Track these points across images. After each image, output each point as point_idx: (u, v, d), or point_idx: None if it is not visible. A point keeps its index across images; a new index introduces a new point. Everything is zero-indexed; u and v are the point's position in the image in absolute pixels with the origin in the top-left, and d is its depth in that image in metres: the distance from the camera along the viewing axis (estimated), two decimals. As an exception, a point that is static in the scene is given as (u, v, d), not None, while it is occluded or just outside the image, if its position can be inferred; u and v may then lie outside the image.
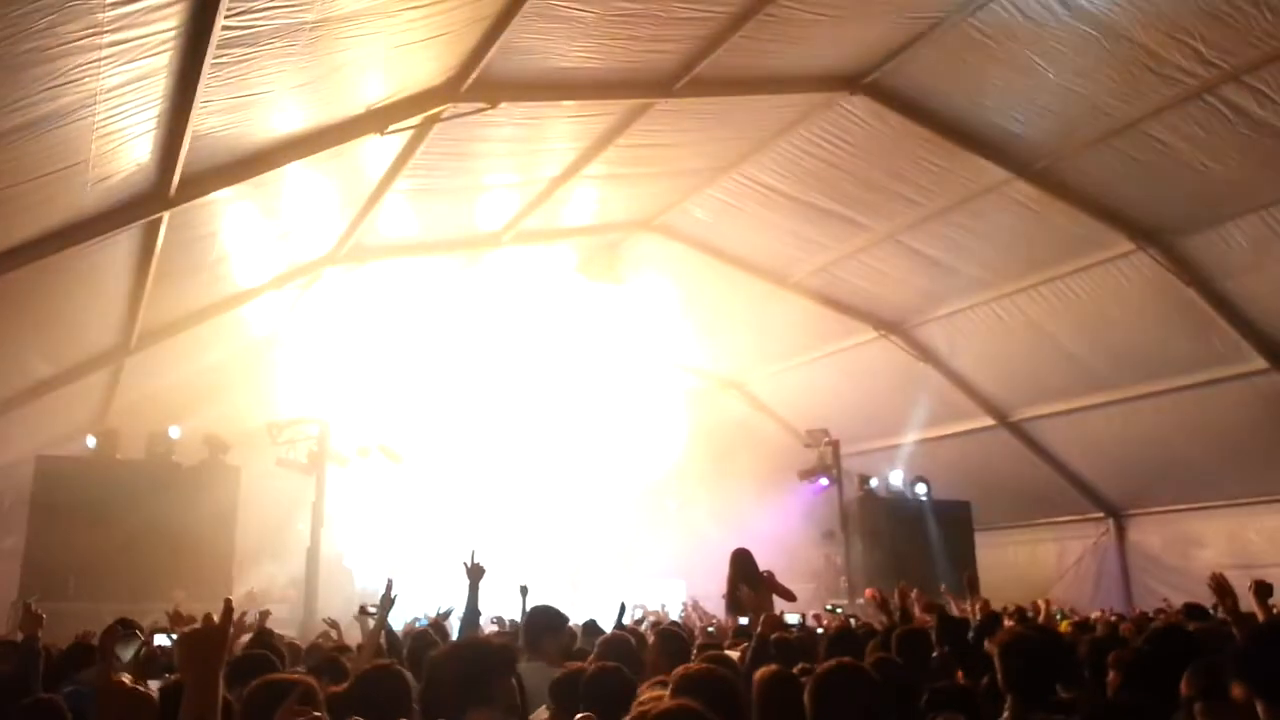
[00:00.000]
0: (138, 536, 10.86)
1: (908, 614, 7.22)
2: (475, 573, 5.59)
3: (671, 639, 5.55)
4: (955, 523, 14.41)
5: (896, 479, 15.10)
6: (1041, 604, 8.56)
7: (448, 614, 8.04)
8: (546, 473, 16.62)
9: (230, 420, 13.18)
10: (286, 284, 11.82)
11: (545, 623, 5.48)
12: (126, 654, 4.82)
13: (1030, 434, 14.49)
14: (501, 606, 9.41)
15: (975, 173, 10.46)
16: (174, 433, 12.30)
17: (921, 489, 14.94)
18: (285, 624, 10.48)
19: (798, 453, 15.87)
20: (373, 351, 15.42)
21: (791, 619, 8.42)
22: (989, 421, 14.63)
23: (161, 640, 5.93)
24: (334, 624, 7.72)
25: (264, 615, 7.71)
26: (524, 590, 7.29)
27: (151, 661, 5.28)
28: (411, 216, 11.44)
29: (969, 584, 7.35)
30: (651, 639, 5.80)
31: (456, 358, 16.16)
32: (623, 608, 8.58)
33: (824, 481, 14.93)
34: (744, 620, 7.46)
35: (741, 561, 9.06)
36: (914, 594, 7.67)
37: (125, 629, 4.98)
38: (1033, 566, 15.27)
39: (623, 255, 14.36)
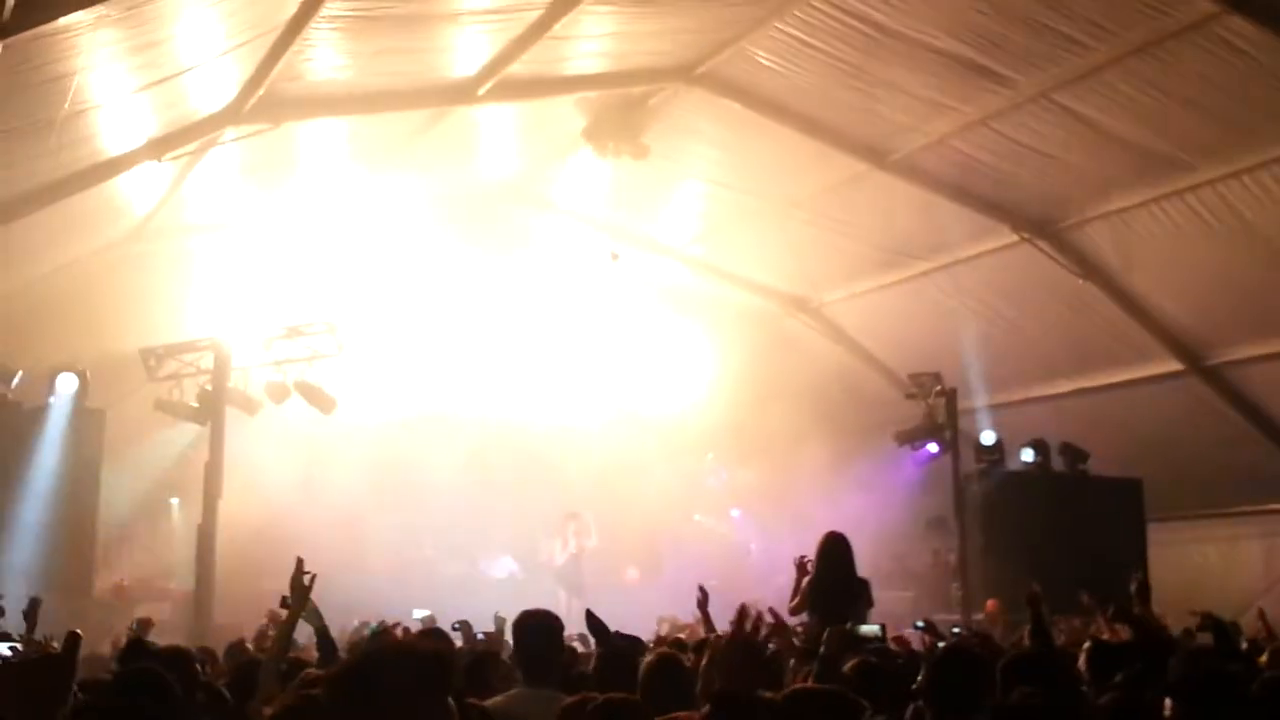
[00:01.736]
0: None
1: (1043, 630, 7.25)
2: (298, 595, 5.67)
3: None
4: (1119, 509, 14.41)
5: (1035, 447, 15.08)
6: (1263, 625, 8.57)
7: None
8: (540, 425, 16.95)
9: (91, 346, 13.29)
10: (169, 152, 11.84)
11: (545, 638, 5.57)
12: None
13: (1234, 384, 14.39)
14: (475, 607, 9.60)
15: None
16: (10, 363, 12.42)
17: (1071, 461, 14.91)
18: (168, 631, 10.67)
19: (894, 406, 15.90)
20: (293, 251, 15.58)
21: (868, 630, 8.55)
22: (1175, 366, 14.52)
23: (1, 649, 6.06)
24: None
25: (144, 625, 7.88)
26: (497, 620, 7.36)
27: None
28: (345, 57, 11.40)
29: (1137, 593, 7.35)
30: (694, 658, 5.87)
31: (413, 263, 16.34)
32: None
33: (933, 448, 14.94)
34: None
35: (834, 554, 9.20)
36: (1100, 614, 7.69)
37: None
38: (1229, 571, 15.26)
39: (649, 118, 14.28)
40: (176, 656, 5.63)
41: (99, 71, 9.64)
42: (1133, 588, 7.51)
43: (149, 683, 4.44)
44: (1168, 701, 4.18)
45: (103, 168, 11.68)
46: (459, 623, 8.95)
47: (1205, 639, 7.08)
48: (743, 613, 7.10)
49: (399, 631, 8.61)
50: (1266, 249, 12.49)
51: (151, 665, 4.89)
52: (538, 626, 5.65)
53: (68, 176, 11.46)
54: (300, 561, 5.81)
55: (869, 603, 9.38)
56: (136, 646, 6.84)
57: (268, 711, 4.35)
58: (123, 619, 11.01)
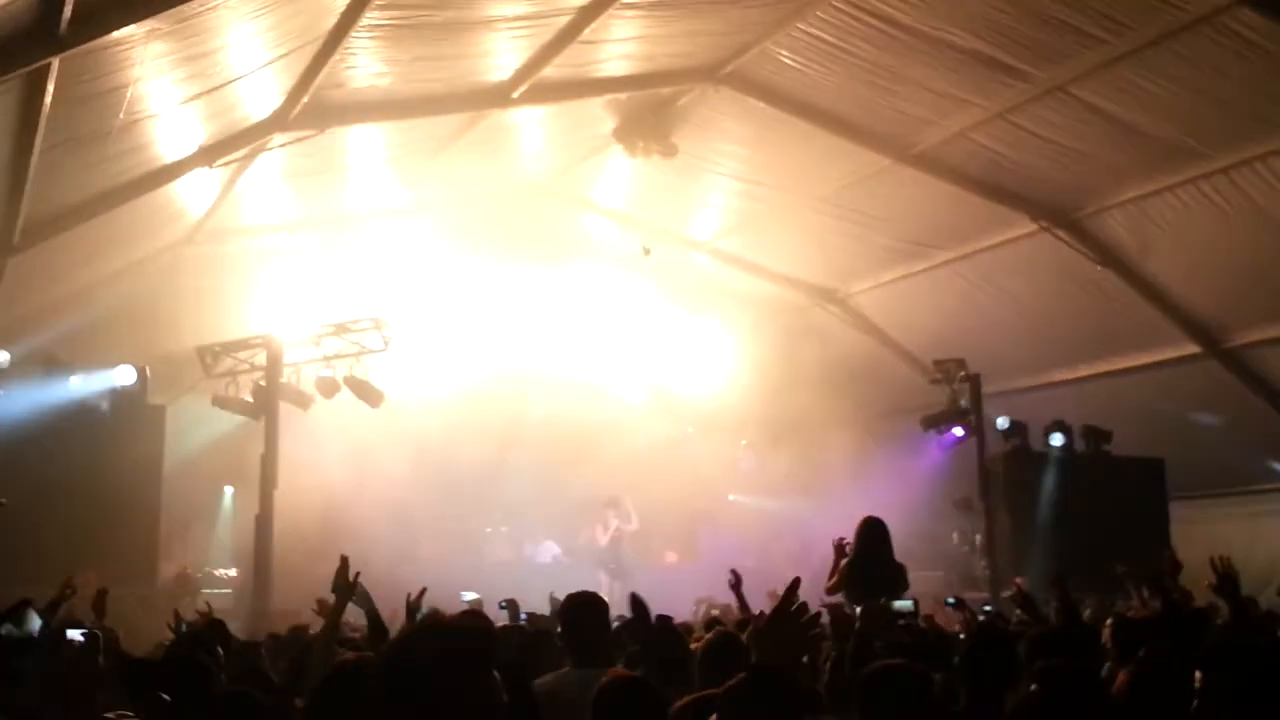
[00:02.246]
0: (30, 498, 11.07)
1: (1070, 608, 7.22)
2: (342, 590, 5.79)
3: None
4: (1141, 489, 14.33)
5: (1059, 429, 15.00)
6: None
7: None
8: (579, 413, 17.06)
9: (150, 345, 13.43)
10: (220, 158, 11.95)
11: (592, 619, 5.59)
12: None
13: (1253, 366, 14.27)
14: (521, 591, 9.66)
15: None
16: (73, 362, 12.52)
17: (1093, 443, 14.82)
18: (228, 617, 10.77)
19: (921, 392, 15.83)
20: (341, 251, 15.71)
21: (902, 605, 8.57)
22: (1193, 349, 14.41)
23: (74, 635, 6.16)
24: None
25: (204, 615, 7.99)
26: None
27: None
28: (384, 65, 11.46)
29: (1169, 567, 7.26)
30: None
31: (454, 261, 16.44)
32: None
33: (958, 432, 14.88)
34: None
35: (873, 537, 9.23)
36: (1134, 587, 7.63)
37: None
38: (1251, 548, 15.09)
39: (678, 118, 14.29)
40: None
41: (151, 83, 9.74)
42: (1164, 564, 7.41)
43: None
44: (1198, 674, 4.11)
45: (157, 175, 11.80)
46: (505, 601, 8.98)
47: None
48: (794, 585, 7.14)
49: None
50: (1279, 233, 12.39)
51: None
52: (584, 607, 5.67)
53: (124, 184, 11.63)
54: (344, 559, 5.90)
55: (905, 585, 9.39)
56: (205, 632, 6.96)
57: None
58: (188, 606, 11.15)
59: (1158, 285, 14.15)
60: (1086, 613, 9.50)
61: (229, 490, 15.32)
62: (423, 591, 6.75)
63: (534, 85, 12.54)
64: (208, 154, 11.77)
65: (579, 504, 17.60)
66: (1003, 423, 14.99)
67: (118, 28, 8.21)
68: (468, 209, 16.61)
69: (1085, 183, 13.34)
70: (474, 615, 6.10)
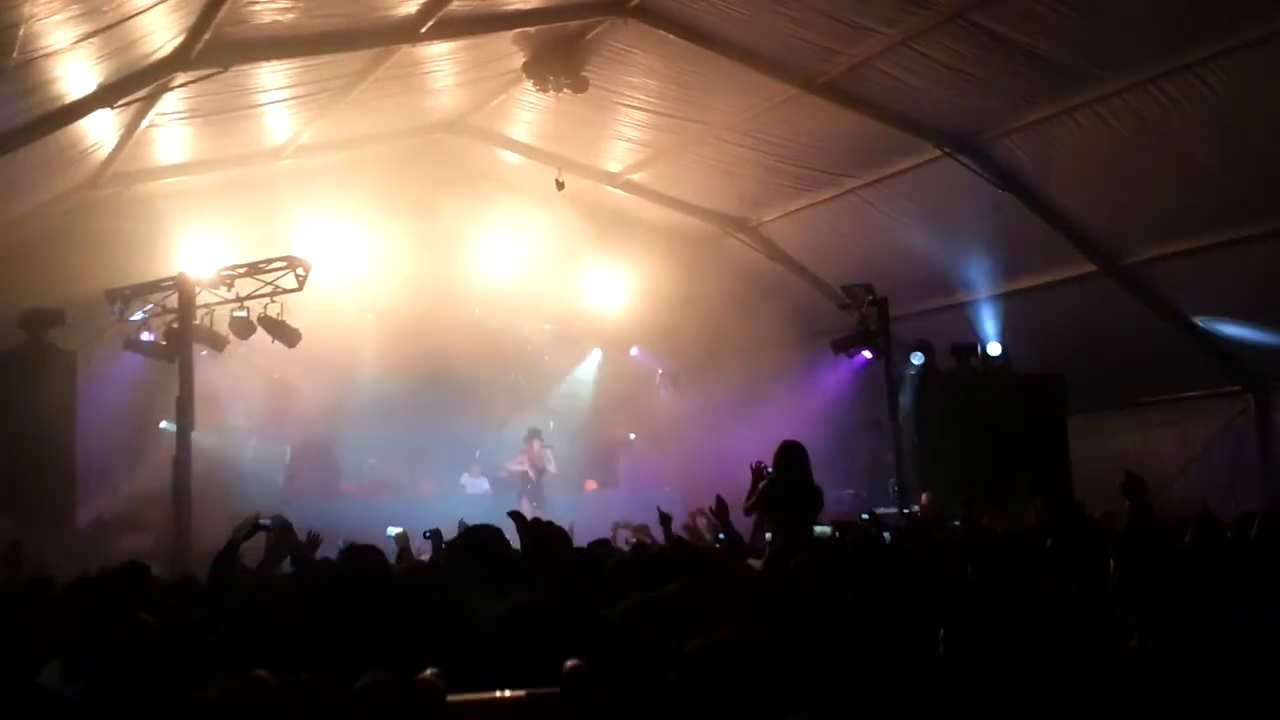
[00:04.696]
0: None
1: (973, 519, 7.33)
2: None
3: None
4: (1042, 404, 14.49)
5: (959, 349, 15.12)
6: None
7: None
8: (492, 345, 16.97)
9: (58, 291, 12.99)
10: (122, 97, 11.47)
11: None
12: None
13: (1146, 282, 14.41)
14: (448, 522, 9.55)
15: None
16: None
17: (996, 360, 14.97)
18: (150, 560, 10.51)
19: (830, 317, 15.87)
20: (251, 191, 15.31)
21: (822, 531, 8.66)
22: (1089, 268, 14.56)
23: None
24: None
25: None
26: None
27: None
28: (287, 0, 11.03)
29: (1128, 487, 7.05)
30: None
31: (367, 199, 16.13)
32: None
33: (867, 354, 14.92)
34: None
35: (792, 460, 9.26)
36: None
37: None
38: (1143, 458, 15.41)
39: (588, 52, 14.00)
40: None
41: (45, 20, 9.25)
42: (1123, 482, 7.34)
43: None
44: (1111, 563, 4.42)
45: (57, 116, 11.26)
46: (430, 531, 8.87)
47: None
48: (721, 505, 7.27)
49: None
50: (1172, 154, 12.46)
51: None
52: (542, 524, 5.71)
53: (23, 125, 11.08)
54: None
55: (820, 506, 9.50)
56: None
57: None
58: (107, 549, 10.90)
59: (1056, 207, 14.23)
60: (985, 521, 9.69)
61: (165, 425, 15.00)
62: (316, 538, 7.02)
63: (442, 19, 12.15)
64: (108, 94, 11.27)
65: (502, 437, 17.47)
66: (914, 354, 15.04)
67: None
68: (379, 147, 16.25)
69: (986, 108, 13.28)
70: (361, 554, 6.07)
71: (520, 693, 3.94)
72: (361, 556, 5.95)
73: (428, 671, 3.78)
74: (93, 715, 4.01)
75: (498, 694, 3.95)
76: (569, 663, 3.86)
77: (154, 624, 4.24)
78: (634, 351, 19.48)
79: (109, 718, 3.99)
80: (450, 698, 3.69)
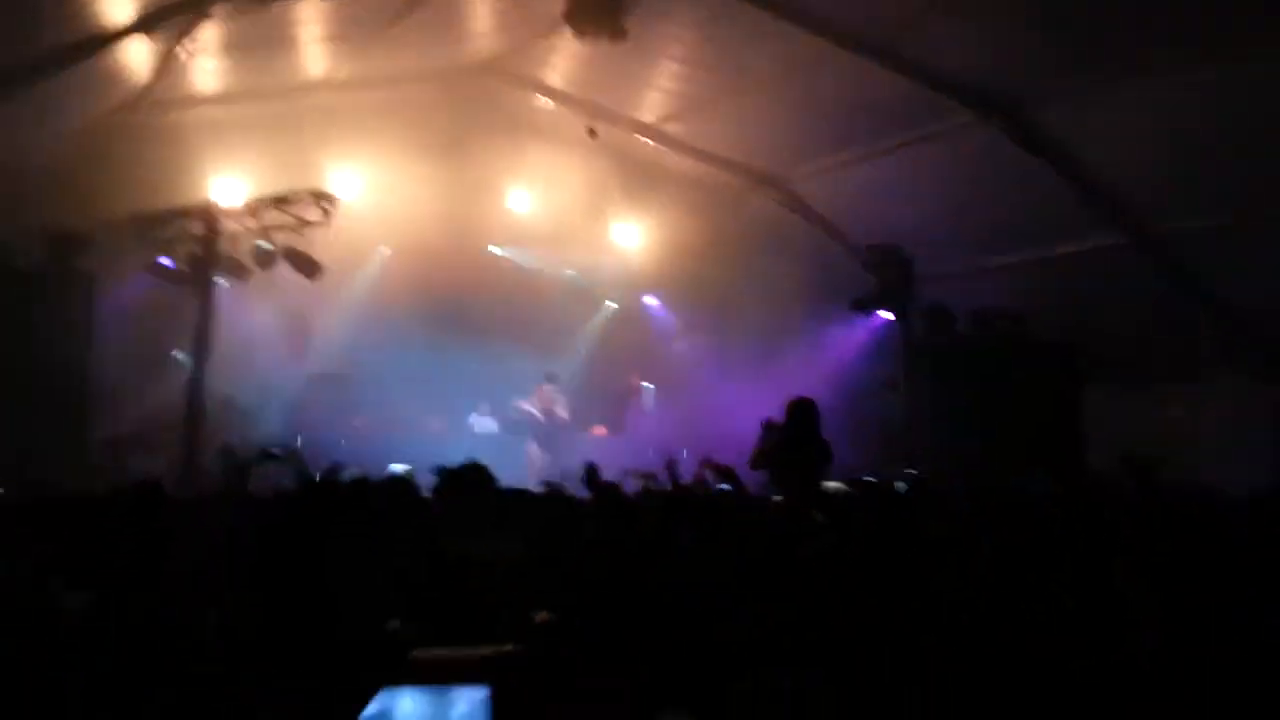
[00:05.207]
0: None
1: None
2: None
3: None
4: (1058, 374, 14.40)
5: (982, 315, 15.00)
6: None
7: None
8: (514, 289, 16.92)
9: (83, 211, 13.04)
10: (159, 26, 11.48)
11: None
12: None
13: (1175, 256, 14.20)
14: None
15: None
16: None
17: (1015, 328, 14.85)
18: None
19: (851, 278, 15.77)
20: (284, 124, 15.26)
21: (833, 487, 8.62)
22: (1117, 239, 14.33)
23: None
24: None
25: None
26: None
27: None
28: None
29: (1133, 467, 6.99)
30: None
31: (399, 137, 16.07)
32: None
33: (886, 315, 14.83)
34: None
35: (803, 417, 9.23)
36: None
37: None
38: (1161, 435, 15.24)
39: (628, 2, 13.84)
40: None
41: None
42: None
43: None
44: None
45: (94, 41, 11.29)
46: (436, 468, 8.91)
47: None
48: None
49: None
50: (1213, 132, 12.20)
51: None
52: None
53: (62, 49, 11.11)
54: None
55: (830, 462, 9.49)
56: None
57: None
58: (118, 468, 10.99)
59: (1089, 177, 14.02)
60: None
61: (179, 355, 15.11)
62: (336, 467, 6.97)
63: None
64: (147, 21, 11.30)
65: (516, 379, 17.51)
66: (933, 317, 14.94)
67: None
68: (412, 87, 16.15)
69: (1029, 74, 13.05)
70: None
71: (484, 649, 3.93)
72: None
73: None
74: (99, 625, 4.06)
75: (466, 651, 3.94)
76: (539, 615, 3.86)
77: (162, 539, 4.28)
78: (652, 301, 19.42)
79: (114, 628, 4.05)
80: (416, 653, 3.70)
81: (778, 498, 8.35)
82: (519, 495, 5.81)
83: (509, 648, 3.85)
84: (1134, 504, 6.48)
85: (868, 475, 9.88)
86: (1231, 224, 13.29)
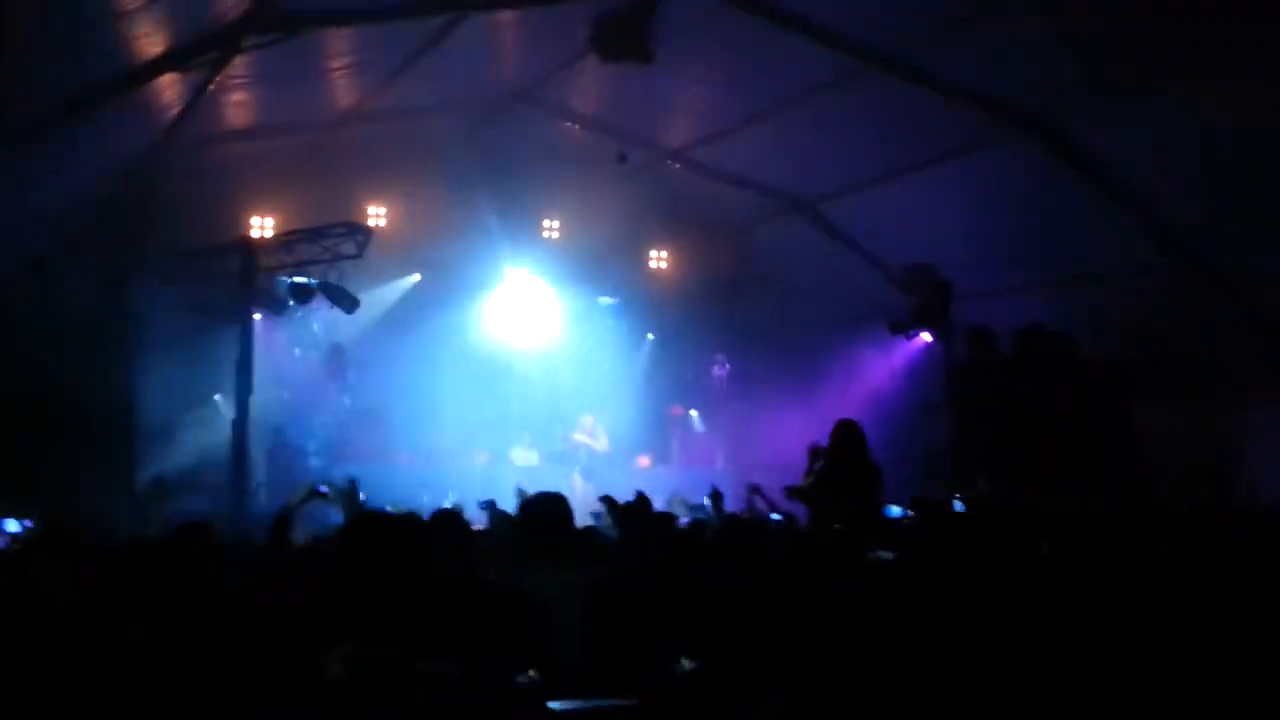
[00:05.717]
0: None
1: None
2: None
3: None
4: (1107, 392, 14.16)
5: (1025, 333, 14.78)
6: None
7: None
8: (551, 319, 16.78)
9: (125, 252, 13.07)
10: (192, 60, 11.46)
11: (553, 512, 5.50)
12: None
13: (1221, 274, 14.01)
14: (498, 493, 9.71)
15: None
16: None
17: (1060, 346, 14.64)
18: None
19: (888, 300, 15.63)
20: (317, 156, 15.29)
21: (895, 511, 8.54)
22: (1162, 258, 14.12)
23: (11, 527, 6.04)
24: None
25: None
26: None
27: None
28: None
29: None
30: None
31: (431, 167, 16.05)
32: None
33: (926, 337, 14.68)
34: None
35: (849, 441, 9.11)
36: None
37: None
38: (1214, 454, 15.08)
39: (654, 26, 13.78)
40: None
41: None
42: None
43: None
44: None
45: (127, 79, 11.26)
46: (484, 501, 8.88)
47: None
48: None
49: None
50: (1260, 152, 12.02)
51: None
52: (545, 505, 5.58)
53: (96, 88, 11.10)
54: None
55: (880, 487, 9.35)
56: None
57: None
58: (161, 510, 10.93)
59: (1132, 196, 13.85)
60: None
61: (218, 398, 15.11)
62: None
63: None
64: (179, 57, 11.29)
65: (557, 411, 17.41)
66: (974, 337, 14.76)
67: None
68: (441, 116, 16.13)
69: (1066, 91, 12.95)
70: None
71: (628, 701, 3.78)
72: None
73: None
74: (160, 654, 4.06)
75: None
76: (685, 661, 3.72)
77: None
78: (688, 329, 19.32)
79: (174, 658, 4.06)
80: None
81: (837, 525, 8.20)
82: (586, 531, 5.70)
83: (652, 696, 3.71)
84: (1210, 522, 6.38)
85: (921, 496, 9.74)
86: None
